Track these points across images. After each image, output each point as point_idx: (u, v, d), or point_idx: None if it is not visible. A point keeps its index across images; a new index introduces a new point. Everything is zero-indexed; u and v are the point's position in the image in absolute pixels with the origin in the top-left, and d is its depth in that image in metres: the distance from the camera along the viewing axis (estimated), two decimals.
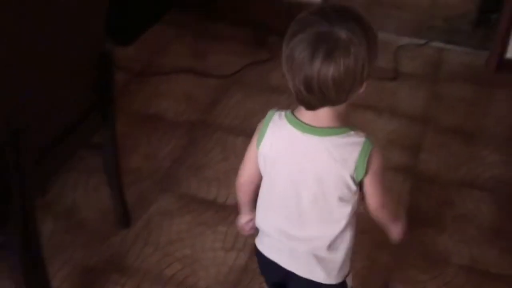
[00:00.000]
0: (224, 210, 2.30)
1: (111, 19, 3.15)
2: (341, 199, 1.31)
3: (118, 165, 2.08)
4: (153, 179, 2.42)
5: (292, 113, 1.32)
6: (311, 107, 1.25)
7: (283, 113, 1.34)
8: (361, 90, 1.24)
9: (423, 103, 2.96)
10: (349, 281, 1.45)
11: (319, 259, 1.37)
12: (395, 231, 1.48)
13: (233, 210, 2.29)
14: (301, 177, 1.31)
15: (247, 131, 2.69)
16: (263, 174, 1.39)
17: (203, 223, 2.24)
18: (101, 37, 1.83)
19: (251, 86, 3.01)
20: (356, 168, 1.27)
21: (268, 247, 1.45)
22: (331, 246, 1.36)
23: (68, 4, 1.59)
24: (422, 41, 3.44)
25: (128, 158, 2.46)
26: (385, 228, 1.46)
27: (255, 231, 1.51)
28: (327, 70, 1.16)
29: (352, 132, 1.28)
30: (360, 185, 1.31)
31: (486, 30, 3.55)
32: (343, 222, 1.34)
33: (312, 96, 1.21)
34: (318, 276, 1.39)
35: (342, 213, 1.33)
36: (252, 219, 1.51)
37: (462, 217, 2.31)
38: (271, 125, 1.34)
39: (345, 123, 1.28)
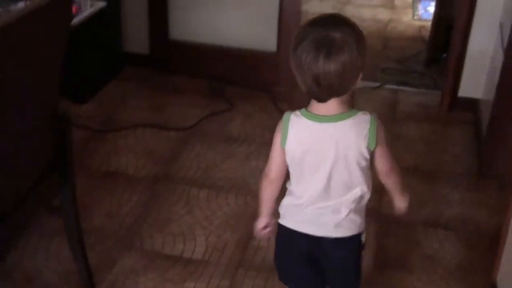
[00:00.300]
0: (191, 264, 2.25)
1: (67, 77, 3.13)
2: (361, 169, 1.59)
3: (79, 226, 2.03)
4: (116, 238, 2.36)
5: (307, 110, 1.57)
6: (322, 100, 1.52)
7: (298, 112, 1.58)
8: (358, 80, 1.50)
9: None
10: (363, 237, 1.72)
11: (344, 220, 1.64)
12: (401, 202, 1.74)
13: (200, 264, 2.26)
14: (328, 159, 1.57)
15: (209, 183, 2.68)
16: (291, 167, 1.63)
17: (169, 280, 2.19)
18: (55, 99, 1.81)
19: (211, 137, 3.00)
20: (368, 139, 1.55)
21: (293, 221, 1.68)
22: (353, 209, 1.64)
23: (20, 68, 1.57)
24: (377, 84, 3.51)
25: (90, 218, 2.40)
26: (393, 197, 1.73)
27: (270, 236, 1.76)
28: (329, 67, 1.43)
29: (359, 113, 1.56)
30: (370, 157, 1.58)
31: (438, 70, 3.66)
32: (362, 187, 1.62)
33: (321, 90, 1.48)
34: (343, 232, 1.65)
35: (361, 180, 1.61)
36: (269, 225, 1.74)
37: (429, 258, 2.32)
38: (291, 124, 1.58)
39: (351, 106, 1.56)
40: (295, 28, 3.25)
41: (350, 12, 4.73)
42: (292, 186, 1.67)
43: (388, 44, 4.14)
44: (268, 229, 1.75)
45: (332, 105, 1.52)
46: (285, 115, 1.59)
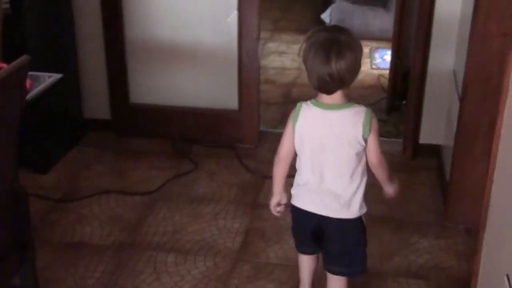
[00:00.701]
0: None
1: (26, 148, 3.09)
2: (357, 154, 1.89)
3: None
4: None
5: (315, 100, 1.91)
6: (330, 92, 1.86)
7: (308, 102, 1.93)
8: (358, 73, 1.87)
9: None
10: (364, 219, 1.99)
11: (347, 201, 1.93)
12: (390, 188, 2.04)
13: None
14: (328, 143, 1.89)
15: (177, 246, 2.63)
16: (299, 148, 1.95)
17: None
18: (12, 174, 1.76)
19: (176, 199, 2.97)
20: (363, 128, 1.87)
21: (303, 200, 1.98)
22: (350, 190, 1.92)
23: None
24: None
25: None
26: (383, 185, 2.02)
27: (284, 212, 2.07)
28: (341, 65, 1.79)
29: (356, 105, 1.90)
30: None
31: (399, 117, 3.70)
32: (359, 174, 1.92)
33: (333, 83, 1.82)
34: (347, 213, 1.94)
35: (358, 167, 1.90)
36: (281, 203, 2.05)
37: None
38: (302, 111, 1.92)
39: (349, 100, 1.90)
40: (255, 85, 3.31)
41: None
42: (298, 164, 1.99)
43: (350, 93, 4.20)
44: (281, 207, 2.05)
45: (336, 96, 1.88)
46: (298, 104, 1.94)
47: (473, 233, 2.51)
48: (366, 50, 5.04)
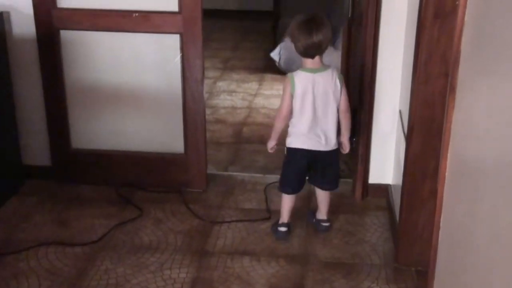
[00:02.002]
0: None
1: None
2: (336, 101, 2.71)
3: None
4: None
5: (301, 68, 2.70)
6: (313, 56, 2.66)
7: (297, 70, 2.71)
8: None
9: (299, 240, 2.92)
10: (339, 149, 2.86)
11: (330, 138, 2.75)
12: (346, 139, 2.82)
13: None
14: (317, 96, 2.68)
15: None
16: (296, 107, 2.70)
17: None
18: None
19: (120, 249, 2.84)
20: (339, 80, 2.71)
21: (300, 142, 2.76)
22: (334, 129, 2.75)
23: None
24: None
25: None
26: (342, 134, 2.80)
27: (275, 151, 2.90)
28: (319, 36, 2.62)
29: (330, 67, 2.73)
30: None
31: (350, 154, 3.66)
32: (336, 119, 2.74)
33: (316, 50, 2.65)
34: (331, 146, 2.77)
35: (336, 111, 2.73)
36: (275, 145, 2.85)
37: None
38: (295, 76, 2.68)
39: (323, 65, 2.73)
40: (201, 127, 3.24)
41: (260, 103, 4.77)
42: (294, 119, 2.73)
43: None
44: (274, 147, 2.85)
45: (317, 61, 2.68)
46: (289, 74, 2.72)
47: (425, 275, 2.45)
48: None
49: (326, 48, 2.68)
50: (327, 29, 2.64)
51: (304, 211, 3.09)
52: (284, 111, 2.72)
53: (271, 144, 2.85)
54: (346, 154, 3.70)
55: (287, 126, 2.82)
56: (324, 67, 2.71)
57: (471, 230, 1.61)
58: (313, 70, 2.67)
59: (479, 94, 1.61)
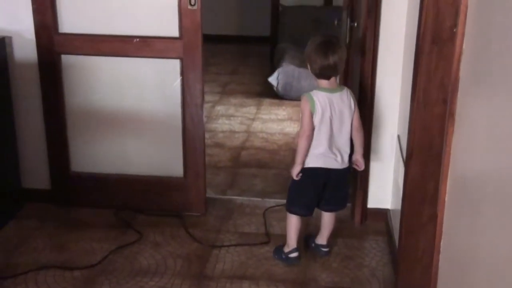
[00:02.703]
0: None
1: None
2: (350, 119, 2.76)
3: None
4: None
5: (318, 88, 2.74)
6: (328, 77, 2.72)
7: (314, 90, 2.73)
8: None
9: (298, 265, 2.91)
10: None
11: (344, 156, 2.80)
12: (360, 156, 2.86)
13: None
14: (334, 115, 2.72)
15: None
16: (318, 125, 2.71)
17: None
18: None
19: (119, 273, 2.83)
20: (353, 101, 2.78)
21: (318, 162, 2.76)
22: (348, 147, 2.79)
23: None
24: None
25: None
26: (356, 151, 2.85)
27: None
28: (336, 58, 2.67)
29: (345, 87, 2.82)
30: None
31: (349, 179, 3.67)
32: (350, 132, 2.79)
33: (332, 71, 2.70)
34: (345, 164, 2.81)
35: (349, 131, 2.78)
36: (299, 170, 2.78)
37: None
38: (314, 96, 2.70)
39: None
40: (200, 151, 3.25)
41: (258, 127, 4.80)
42: (314, 141, 2.74)
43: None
44: (300, 174, 2.77)
45: (332, 81, 2.74)
46: (306, 94, 2.73)
47: None
48: None
49: (341, 69, 2.78)
50: (343, 51, 2.70)
51: (302, 234, 3.09)
52: (307, 130, 2.70)
53: (297, 169, 2.76)
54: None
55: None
56: (339, 87, 2.78)
57: (472, 254, 1.62)
58: (330, 90, 2.72)
59: (478, 119, 1.63)
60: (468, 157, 1.73)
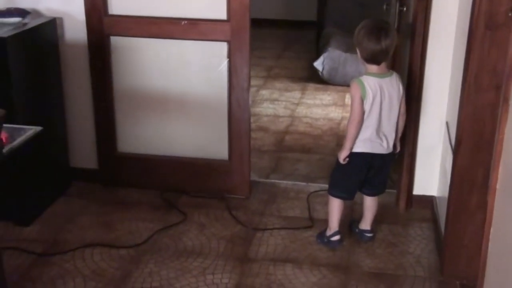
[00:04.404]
0: None
1: (7, 200, 3.01)
2: (398, 104, 2.75)
3: None
4: None
5: (368, 73, 2.71)
6: (379, 62, 2.68)
7: (364, 75, 2.70)
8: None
9: (342, 249, 2.90)
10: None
11: (390, 141, 2.78)
12: (398, 139, 2.86)
13: None
14: (384, 100, 2.70)
15: None
16: (368, 110, 2.68)
17: None
18: None
19: (164, 253, 2.87)
20: (401, 86, 2.76)
21: (365, 147, 2.75)
22: (394, 132, 2.79)
23: None
24: None
25: None
26: (398, 135, 2.84)
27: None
28: (387, 42, 2.63)
29: (394, 72, 2.78)
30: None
31: (393, 166, 3.63)
32: (398, 121, 2.80)
33: (382, 56, 2.66)
34: (390, 149, 2.80)
35: (397, 115, 2.78)
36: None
37: None
38: (365, 82, 2.67)
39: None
40: (246, 135, 3.26)
41: (302, 112, 4.78)
42: (364, 124, 2.70)
43: (342, 141, 4.14)
44: (347, 159, 2.76)
45: (382, 67, 2.70)
46: (357, 79, 2.69)
47: None
48: None
49: (391, 54, 2.73)
50: (395, 36, 2.66)
51: (346, 220, 3.08)
52: (358, 116, 2.67)
53: (345, 153, 2.76)
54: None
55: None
56: (389, 72, 2.74)
57: None
58: (380, 75, 2.69)
59: None
60: None
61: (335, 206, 2.89)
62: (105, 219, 3.16)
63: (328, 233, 2.91)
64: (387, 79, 2.70)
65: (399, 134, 2.84)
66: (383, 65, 2.69)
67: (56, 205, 3.27)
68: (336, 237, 2.89)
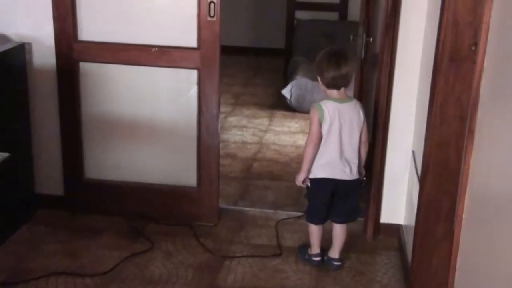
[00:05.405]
0: None
1: None
2: (359, 131, 2.81)
3: None
4: None
5: (326, 99, 2.79)
6: (339, 87, 2.78)
7: (324, 100, 2.79)
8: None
9: (310, 278, 2.91)
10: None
11: (353, 167, 2.82)
12: (361, 167, 2.91)
13: None
14: (343, 125, 2.76)
15: None
16: (323, 135, 2.77)
17: None
18: None
19: (130, 282, 2.83)
20: (362, 113, 2.83)
21: (327, 172, 2.81)
22: (357, 158, 2.83)
23: None
24: (300, 213, 3.44)
25: None
26: (362, 162, 2.90)
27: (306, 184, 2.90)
28: (348, 68, 2.76)
29: (354, 98, 2.92)
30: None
31: (361, 194, 3.66)
32: (358, 149, 2.85)
33: (342, 81, 2.77)
34: (354, 175, 2.84)
35: (358, 143, 2.83)
36: (305, 178, 2.85)
37: None
38: (324, 105, 2.76)
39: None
40: (215, 161, 3.26)
41: (270, 139, 4.80)
42: (320, 150, 2.79)
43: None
44: (305, 182, 2.86)
45: (342, 92, 2.80)
46: (317, 104, 2.79)
47: None
48: None
49: (351, 80, 2.83)
50: (353, 62, 2.80)
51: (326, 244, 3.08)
52: (315, 138, 2.77)
53: (302, 176, 2.85)
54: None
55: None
56: (349, 98, 2.84)
57: (490, 272, 1.61)
58: (339, 100, 2.78)
59: (499, 137, 1.63)
60: (487, 174, 1.73)
61: (312, 231, 2.98)
62: (70, 246, 3.11)
63: (310, 252, 3.00)
64: (346, 105, 2.79)
65: (362, 163, 2.91)
66: (342, 90, 2.79)
67: (20, 232, 3.21)
68: (317, 258, 2.98)
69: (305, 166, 2.82)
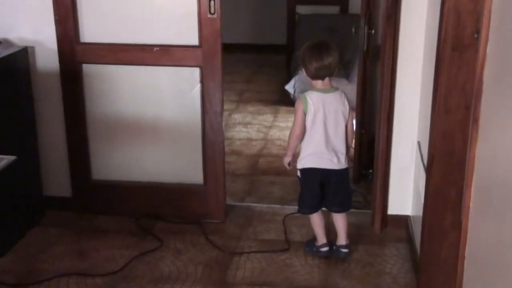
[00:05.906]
0: None
1: None
2: (344, 120, 2.85)
3: None
4: None
5: (311, 89, 2.85)
6: (322, 78, 2.82)
7: (309, 91, 2.85)
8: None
9: (319, 271, 2.92)
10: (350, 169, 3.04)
11: (341, 156, 2.87)
12: (351, 142, 3.01)
13: None
14: (328, 115, 2.82)
15: None
16: (308, 126, 2.82)
17: None
18: None
19: (140, 280, 2.85)
20: (347, 103, 2.87)
21: (314, 162, 2.88)
22: (344, 148, 2.88)
23: None
24: None
25: None
26: (348, 148, 2.94)
27: (292, 166, 2.98)
28: (330, 59, 2.79)
29: (339, 88, 2.90)
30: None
31: (367, 186, 3.67)
32: (345, 134, 2.88)
33: (326, 71, 2.80)
34: (343, 165, 2.89)
35: (344, 132, 2.87)
36: (291, 162, 2.95)
37: None
38: (308, 96, 2.81)
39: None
40: (220, 158, 3.27)
41: (275, 135, 4.81)
42: (305, 140, 2.87)
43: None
44: (290, 165, 2.96)
45: (326, 82, 2.83)
46: (301, 95, 2.86)
47: None
48: None
49: (335, 70, 2.84)
50: (336, 53, 2.82)
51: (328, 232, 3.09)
52: (298, 129, 2.84)
53: (288, 159, 2.95)
54: (363, 185, 3.75)
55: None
56: (333, 88, 2.87)
57: (498, 261, 1.62)
58: (324, 91, 2.83)
59: (504, 124, 1.63)
60: (493, 163, 1.73)
61: (313, 221, 3.01)
62: (80, 247, 3.12)
63: (317, 244, 3.00)
64: (331, 95, 2.84)
65: (348, 152, 2.96)
66: (327, 80, 2.83)
67: (30, 234, 3.23)
68: (325, 249, 2.99)
69: (289, 152, 2.94)
